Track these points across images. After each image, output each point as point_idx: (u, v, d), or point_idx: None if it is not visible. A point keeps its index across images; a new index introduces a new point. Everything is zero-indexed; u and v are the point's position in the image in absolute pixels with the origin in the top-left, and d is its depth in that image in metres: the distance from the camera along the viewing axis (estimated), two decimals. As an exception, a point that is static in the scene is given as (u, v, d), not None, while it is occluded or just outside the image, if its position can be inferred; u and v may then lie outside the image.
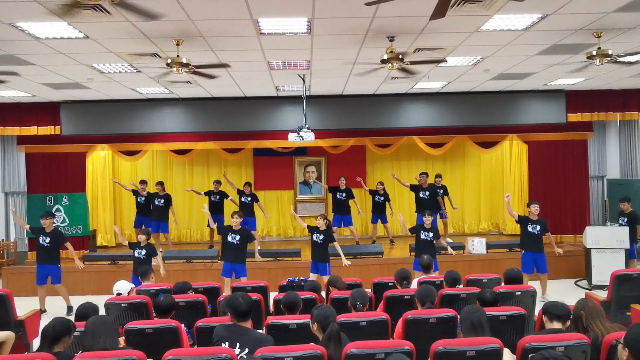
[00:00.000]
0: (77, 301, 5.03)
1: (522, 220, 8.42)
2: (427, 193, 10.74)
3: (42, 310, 8.28)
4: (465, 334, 3.70)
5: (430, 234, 8.28)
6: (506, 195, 8.36)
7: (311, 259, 8.29)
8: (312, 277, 8.02)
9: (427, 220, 8.34)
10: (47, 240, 8.24)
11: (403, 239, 12.21)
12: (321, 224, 8.09)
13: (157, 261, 8.00)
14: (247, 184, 11.13)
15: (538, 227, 8.26)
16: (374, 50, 6.65)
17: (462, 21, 5.67)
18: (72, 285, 9.63)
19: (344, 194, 10.94)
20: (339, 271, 7.84)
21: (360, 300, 4.58)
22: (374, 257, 9.98)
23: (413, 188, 10.93)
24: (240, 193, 10.99)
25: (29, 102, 10.23)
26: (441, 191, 11.11)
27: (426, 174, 11.03)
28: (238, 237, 8.00)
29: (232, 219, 8.07)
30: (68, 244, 8.44)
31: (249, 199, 10.92)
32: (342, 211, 10.99)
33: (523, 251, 8.50)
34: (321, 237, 8.05)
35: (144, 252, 7.84)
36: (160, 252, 10.15)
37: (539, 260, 8.35)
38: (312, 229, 8.18)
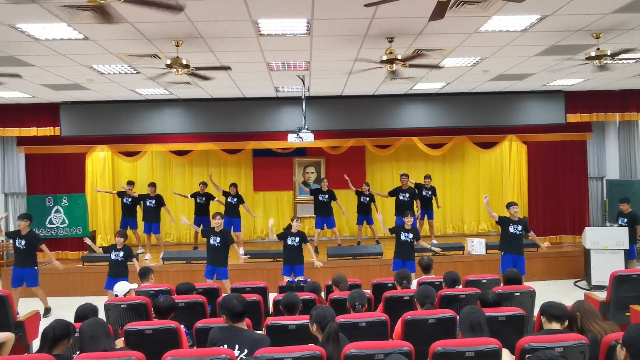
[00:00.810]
0: (76, 302, 5.03)
1: (503, 222, 8.09)
2: (407, 195, 10.71)
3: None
4: (464, 334, 3.71)
5: (411, 235, 8.19)
6: (484, 197, 8.16)
7: (285, 263, 8.21)
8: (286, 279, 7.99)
9: (408, 221, 8.26)
10: (23, 242, 8.11)
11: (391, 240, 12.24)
12: (295, 226, 8.08)
13: (134, 263, 7.88)
14: (233, 185, 11.06)
15: (519, 227, 8.01)
16: (373, 51, 6.66)
17: (461, 22, 5.68)
18: (72, 286, 9.68)
19: (326, 196, 10.76)
20: (338, 271, 7.83)
21: (358, 301, 4.59)
22: (373, 258, 9.98)
23: (392, 193, 10.94)
24: (226, 194, 10.94)
25: (29, 103, 10.24)
26: (430, 192, 11.11)
27: (407, 175, 11.01)
28: (219, 239, 7.95)
29: (213, 221, 8.02)
30: (43, 246, 8.30)
31: (235, 199, 10.86)
32: (324, 213, 10.78)
33: (502, 253, 8.20)
34: (297, 239, 8.06)
35: (121, 254, 7.82)
36: (147, 255, 10.17)
37: (517, 263, 7.98)
38: (285, 234, 8.13)
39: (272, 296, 5.97)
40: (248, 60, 7.15)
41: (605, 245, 9.08)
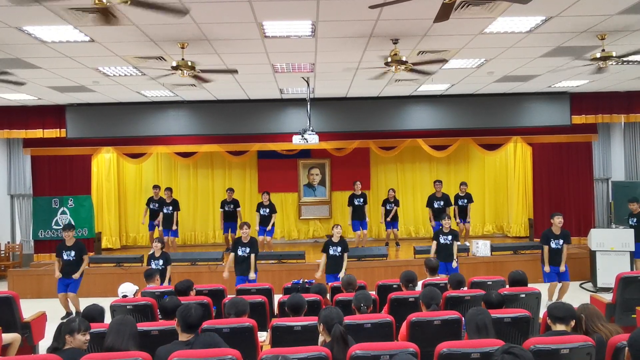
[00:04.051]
0: (82, 303, 5.06)
1: (545, 238, 8.10)
2: (442, 203, 11.01)
3: (69, 313, 8.34)
4: (470, 336, 3.71)
5: (450, 237, 8.33)
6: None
7: (327, 272, 8.03)
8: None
9: (446, 223, 8.38)
10: (72, 254, 8.18)
11: (408, 241, 12.25)
12: (336, 233, 7.97)
13: (167, 270, 7.87)
14: (266, 192, 11.04)
15: (561, 242, 8.04)
16: (378, 52, 6.67)
17: (465, 24, 5.68)
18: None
19: (361, 199, 11.07)
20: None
21: (364, 302, 4.59)
22: (378, 260, 9.97)
23: (428, 204, 11.14)
24: (259, 206, 10.93)
25: (35, 105, 10.30)
26: (465, 201, 11.22)
27: (440, 182, 11.26)
28: (248, 249, 7.87)
29: (240, 231, 7.95)
30: (86, 257, 8.45)
31: (267, 210, 10.84)
32: (360, 216, 11.07)
33: (544, 264, 8.17)
34: (339, 249, 7.96)
35: (161, 262, 7.78)
36: None
37: (562, 274, 8.07)
38: (327, 246, 7.99)
39: (277, 297, 5.98)
40: (253, 62, 7.16)
41: (611, 247, 9.05)
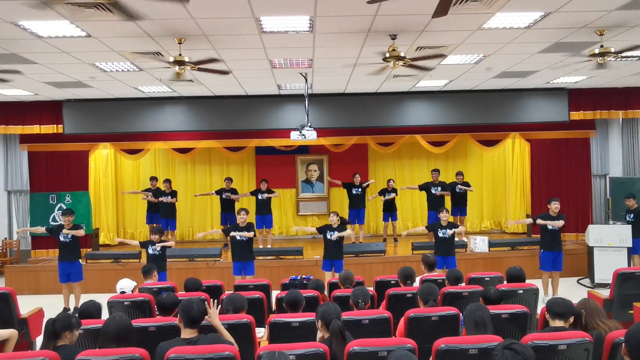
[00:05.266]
0: (80, 299, 5.04)
1: (544, 220, 8.06)
2: (439, 188, 10.88)
3: (66, 309, 8.28)
4: (468, 332, 3.70)
5: (449, 230, 8.22)
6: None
7: (324, 258, 8.15)
8: (328, 275, 7.99)
9: (444, 216, 8.23)
10: (69, 236, 8.16)
11: (406, 237, 12.23)
12: (335, 220, 8.03)
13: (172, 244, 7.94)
14: (264, 180, 11.06)
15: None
16: (376, 48, 6.65)
17: (464, 19, 5.67)
18: (75, 283, 9.68)
19: (359, 189, 11.04)
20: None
21: (362, 298, 4.59)
22: (376, 256, 9.97)
23: (423, 187, 11.02)
24: (256, 192, 10.98)
25: (32, 100, 10.25)
26: (463, 188, 11.17)
27: (437, 170, 11.18)
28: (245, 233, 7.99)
29: (238, 216, 8.07)
30: (82, 231, 8.40)
31: (265, 194, 10.91)
32: (357, 206, 11.03)
33: (542, 250, 8.25)
34: (336, 233, 8.01)
35: (158, 247, 7.83)
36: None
37: (557, 258, 8.13)
38: (324, 228, 8.08)
39: (274, 293, 5.97)
40: (250, 57, 7.14)
41: (608, 242, 9.06)
